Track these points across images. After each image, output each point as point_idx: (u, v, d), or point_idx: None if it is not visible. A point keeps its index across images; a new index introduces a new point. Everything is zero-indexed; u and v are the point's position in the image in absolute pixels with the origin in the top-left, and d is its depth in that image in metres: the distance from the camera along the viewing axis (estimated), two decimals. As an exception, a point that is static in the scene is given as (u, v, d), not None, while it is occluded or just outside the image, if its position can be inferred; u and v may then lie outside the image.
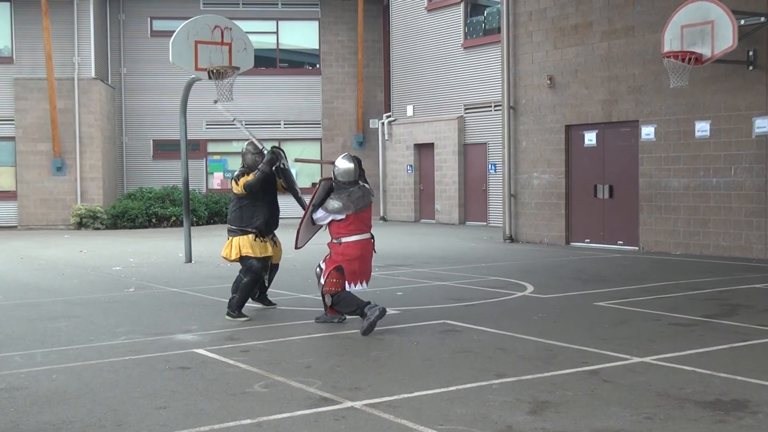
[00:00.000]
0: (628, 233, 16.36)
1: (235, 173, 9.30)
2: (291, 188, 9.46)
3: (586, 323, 8.52)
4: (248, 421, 5.25)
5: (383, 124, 26.99)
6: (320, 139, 28.19)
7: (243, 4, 27.79)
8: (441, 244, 17.93)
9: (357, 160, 8.40)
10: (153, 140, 27.63)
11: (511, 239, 18.48)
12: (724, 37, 13.32)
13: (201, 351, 7.38)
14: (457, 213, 24.10)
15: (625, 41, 16.23)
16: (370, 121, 28.01)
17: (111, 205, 25.14)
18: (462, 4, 24.00)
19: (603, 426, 5.07)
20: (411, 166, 25.82)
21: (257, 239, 9.10)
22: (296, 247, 8.69)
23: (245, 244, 9.04)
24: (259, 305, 9.54)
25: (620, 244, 16.45)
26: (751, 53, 14.18)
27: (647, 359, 6.80)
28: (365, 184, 8.41)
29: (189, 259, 14.85)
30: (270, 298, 9.72)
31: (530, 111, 18.21)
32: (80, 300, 10.66)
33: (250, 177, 9.07)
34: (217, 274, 13.00)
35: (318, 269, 8.45)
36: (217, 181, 28.03)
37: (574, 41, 17.25)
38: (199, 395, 5.89)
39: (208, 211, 25.59)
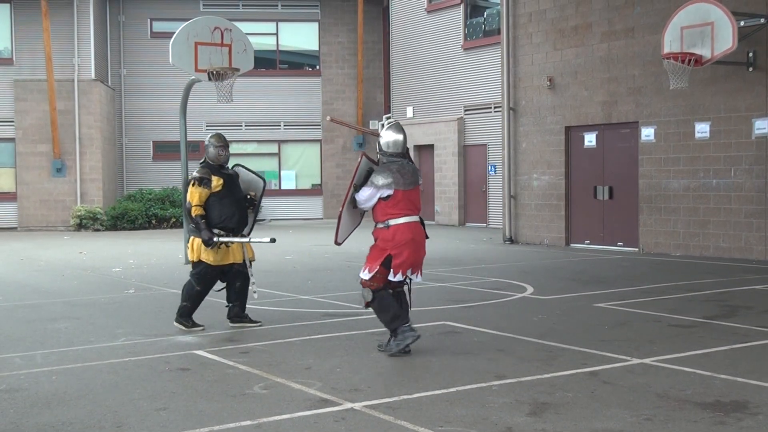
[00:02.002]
0: (627, 234, 16.36)
1: (194, 173, 8.44)
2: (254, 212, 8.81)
3: (586, 324, 8.52)
4: (248, 422, 5.25)
5: (383, 125, 26.92)
6: (320, 141, 28.20)
7: (243, 5, 27.80)
8: (441, 246, 17.92)
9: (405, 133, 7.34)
10: (153, 141, 27.64)
11: (511, 240, 18.48)
12: (724, 39, 13.33)
13: (201, 352, 7.38)
14: (457, 214, 24.10)
15: (624, 42, 16.24)
16: (370, 122, 28.00)
17: (111, 207, 25.14)
18: (462, 6, 24.01)
19: (603, 427, 5.06)
20: (411, 167, 25.78)
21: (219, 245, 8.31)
22: (336, 243, 7.36)
23: (205, 249, 8.35)
24: (239, 325, 8.64)
25: (620, 246, 16.45)
26: (750, 54, 14.18)
27: (647, 360, 6.80)
28: (411, 162, 7.38)
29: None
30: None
31: (530, 112, 18.21)
32: (80, 301, 10.66)
33: (198, 211, 8.31)
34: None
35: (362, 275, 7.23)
36: (216, 182, 28.00)
37: (573, 42, 17.25)
38: (199, 397, 5.89)
39: (207, 213, 25.55)
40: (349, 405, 5.61)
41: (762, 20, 13.93)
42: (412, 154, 25.42)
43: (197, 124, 26.06)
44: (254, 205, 8.81)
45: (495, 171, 22.73)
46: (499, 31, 20.45)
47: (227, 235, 8.43)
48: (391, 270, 7.09)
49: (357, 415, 5.38)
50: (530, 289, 11.07)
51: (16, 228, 25.07)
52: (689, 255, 15.09)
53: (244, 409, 5.55)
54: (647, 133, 15.86)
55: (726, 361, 6.78)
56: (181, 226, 21.89)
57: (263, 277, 12.94)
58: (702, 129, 14.99)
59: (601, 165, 16.89)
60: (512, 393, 5.84)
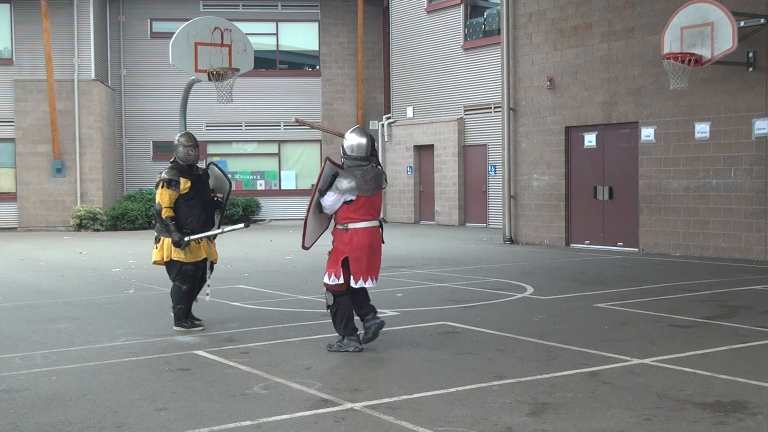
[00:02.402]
0: (627, 235, 16.36)
1: (163, 173, 8.43)
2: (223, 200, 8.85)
3: (586, 325, 8.52)
4: (248, 422, 5.25)
5: (383, 125, 26.99)
6: (320, 141, 28.20)
7: (243, 5, 27.80)
8: (441, 246, 17.92)
9: (370, 137, 7.43)
10: (153, 142, 27.62)
11: (511, 241, 18.48)
12: (724, 39, 13.34)
13: (201, 352, 7.38)
14: (457, 214, 24.10)
15: (624, 43, 16.24)
16: (370, 122, 28.01)
17: (111, 207, 25.14)
18: (462, 6, 24.01)
19: (603, 427, 5.06)
20: (411, 167, 25.83)
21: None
22: (304, 247, 7.56)
23: (175, 248, 8.31)
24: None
25: (620, 246, 16.45)
26: (750, 55, 14.18)
27: (647, 361, 6.80)
28: (378, 166, 7.47)
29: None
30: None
31: (530, 112, 18.21)
32: (80, 301, 10.66)
33: (168, 212, 8.27)
34: (215, 276, 12.96)
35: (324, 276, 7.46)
36: (216, 182, 28.00)
37: (573, 43, 17.25)
38: (199, 397, 5.89)
39: (207, 213, 25.57)
40: (349, 405, 5.60)
41: (762, 20, 13.93)
42: (412, 154, 25.59)
43: (197, 124, 26.06)
44: (221, 207, 8.79)
45: (495, 171, 22.73)
46: (499, 31, 20.46)
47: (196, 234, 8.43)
48: (352, 277, 7.28)
49: (357, 415, 5.38)
50: (530, 290, 11.07)
51: (16, 228, 25.07)
52: (689, 255, 15.09)
53: (244, 409, 5.55)
54: (647, 133, 15.86)
55: (726, 361, 6.78)
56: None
57: (264, 277, 12.95)
58: (702, 129, 14.99)
59: (601, 165, 16.89)
60: (512, 393, 5.84)
